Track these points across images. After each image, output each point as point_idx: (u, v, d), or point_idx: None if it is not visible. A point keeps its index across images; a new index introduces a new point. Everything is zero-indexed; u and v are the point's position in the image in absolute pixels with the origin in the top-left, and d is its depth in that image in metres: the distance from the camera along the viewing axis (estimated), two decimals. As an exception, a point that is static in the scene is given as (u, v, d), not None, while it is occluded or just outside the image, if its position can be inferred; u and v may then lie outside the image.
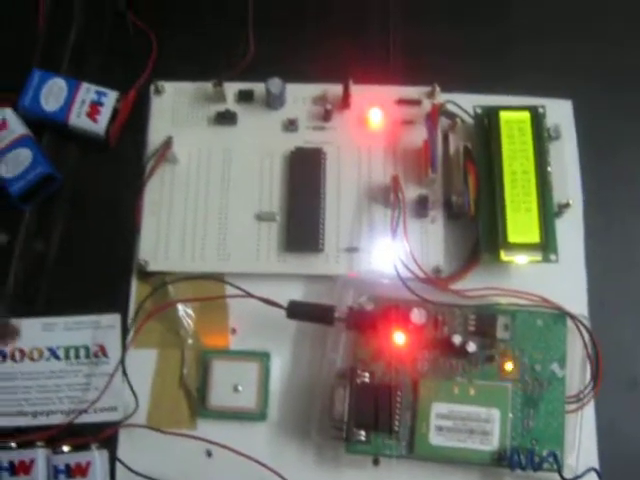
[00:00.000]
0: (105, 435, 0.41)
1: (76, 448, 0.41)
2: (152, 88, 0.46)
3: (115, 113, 0.45)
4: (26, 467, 0.40)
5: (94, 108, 0.44)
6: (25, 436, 0.41)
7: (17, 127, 0.44)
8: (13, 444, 0.41)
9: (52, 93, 0.44)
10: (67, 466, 0.40)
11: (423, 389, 0.39)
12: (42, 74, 0.45)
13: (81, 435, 0.41)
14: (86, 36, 0.48)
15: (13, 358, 0.42)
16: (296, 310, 0.40)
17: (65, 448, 0.41)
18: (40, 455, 0.40)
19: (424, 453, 0.39)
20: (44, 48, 0.47)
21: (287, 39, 0.47)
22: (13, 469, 0.40)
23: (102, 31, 0.48)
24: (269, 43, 0.46)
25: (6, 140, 0.44)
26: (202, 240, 0.43)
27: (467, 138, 0.44)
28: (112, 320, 0.43)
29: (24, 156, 0.43)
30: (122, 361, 0.41)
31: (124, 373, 0.41)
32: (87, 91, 0.45)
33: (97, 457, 0.40)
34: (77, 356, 0.43)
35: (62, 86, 0.45)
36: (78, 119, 0.44)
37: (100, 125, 0.44)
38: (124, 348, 0.41)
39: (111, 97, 0.45)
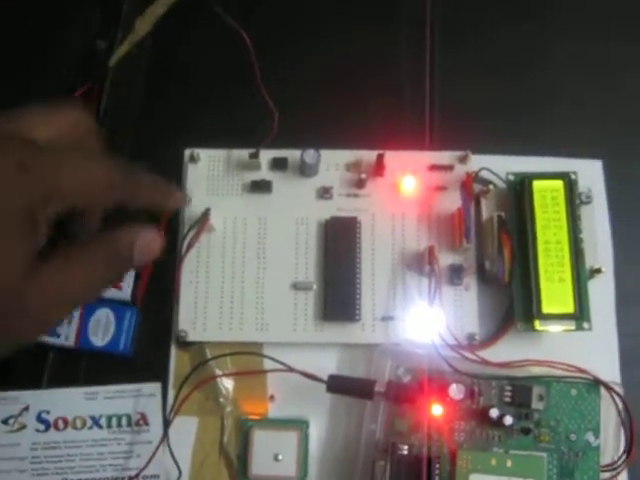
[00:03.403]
0: (148, 502, 0.42)
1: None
2: (187, 155, 0.46)
3: (138, 275, 0.44)
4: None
5: None
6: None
7: None
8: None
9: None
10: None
11: (461, 461, 0.40)
12: None
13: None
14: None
15: (56, 427, 0.43)
16: (336, 385, 0.40)
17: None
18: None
19: (463, 524, 0.40)
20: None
21: (318, 105, 0.47)
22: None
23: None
24: (301, 110, 0.46)
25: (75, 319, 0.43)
26: (240, 310, 0.44)
27: (499, 203, 0.45)
28: (153, 389, 0.44)
29: (103, 317, 0.43)
30: (166, 433, 0.42)
31: (169, 447, 0.41)
32: None
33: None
34: (119, 424, 0.43)
35: None
36: None
37: (125, 292, 0.44)
38: (167, 419, 0.42)
39: None
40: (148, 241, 0.35)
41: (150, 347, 0.44)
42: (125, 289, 0.44)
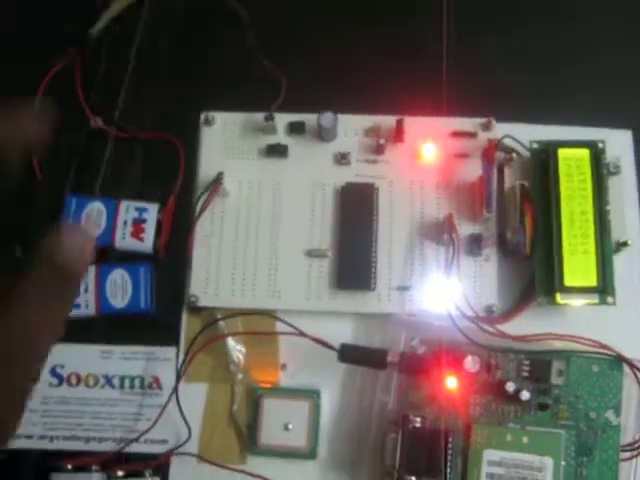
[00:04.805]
0: (158, 463, 0.42)
1: (129, 475, 0.42)
2: (202, 118, 0.45)
3: (159, 225, 0.43)
4: (82, 490, 0.41)
5: (138, 227, 0.43)
6: (81, 459, 0.42)
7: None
8: (69, 466, 0.41)
9: (92, 218, 0.43)
10: (122, 490, 0.41)
11: (475, 435, 0.39)
12: (78, 200, 0.44)
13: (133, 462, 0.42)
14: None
15: (69, 382, 0.43)
16: (348, 354, 0.40)
17: (120, 473, 0.41)
18: (96, 479, 0.41)
19: (475, 499, 0.39)
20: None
21: (339, 69, 0.45)
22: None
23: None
24: (320, 73, 0.45)
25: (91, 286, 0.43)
26: (253, 276, 0.43)
27: (523, 172, 0.43)
28: (168, 353, 0.43)
29: (118, 277, 0.43)
30: (176, 391, 0.41)
31: (178, 403, 0.41)
32: (127, 210, 0.43)
33: (151, 483, 0.41)
34: (132, 386, 0.43)
35: (101, 209, 0.43)
36: (123, 241, 0.43)
37: (147, 243, 0.43)
38: (177, 379, 0.42)
39: (152, 211, 0.43)
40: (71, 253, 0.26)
41: (169, 309, 0.44)
42: (147, 240, 0.43)
